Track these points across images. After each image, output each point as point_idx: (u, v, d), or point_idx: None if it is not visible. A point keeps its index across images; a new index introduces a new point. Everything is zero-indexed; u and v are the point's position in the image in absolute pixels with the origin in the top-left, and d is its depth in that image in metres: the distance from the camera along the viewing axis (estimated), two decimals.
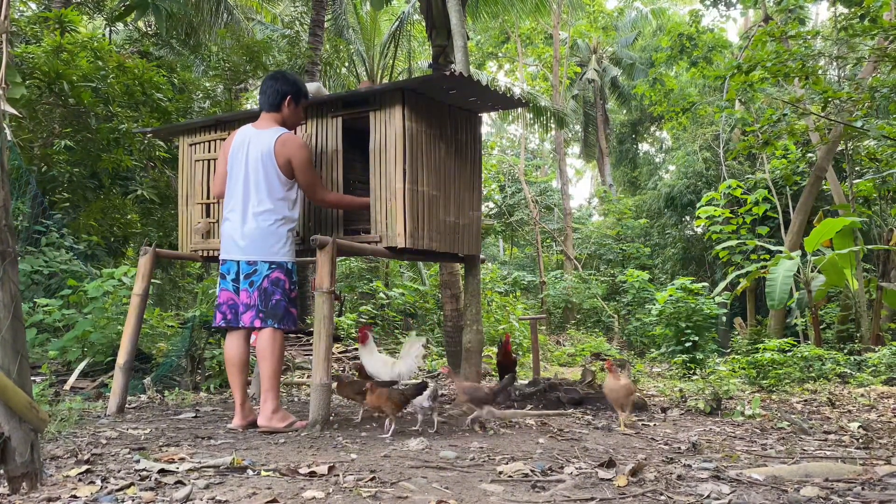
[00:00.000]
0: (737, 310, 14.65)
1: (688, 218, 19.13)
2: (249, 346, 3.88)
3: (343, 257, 8.43)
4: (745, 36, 14.32)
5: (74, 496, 2.23)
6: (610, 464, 2.87)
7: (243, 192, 3.72)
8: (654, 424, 4.43)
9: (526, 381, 6.71)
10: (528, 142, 29.88)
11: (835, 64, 11.95)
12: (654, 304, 10.71)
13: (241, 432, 3.63)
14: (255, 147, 3.71)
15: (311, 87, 4.32)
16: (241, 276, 3.71)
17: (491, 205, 20.87)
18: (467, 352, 4.69)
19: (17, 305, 2.22)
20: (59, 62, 6.96)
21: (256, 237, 3.69)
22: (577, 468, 2.84)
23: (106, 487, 2.35)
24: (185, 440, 3.35)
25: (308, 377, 6.51)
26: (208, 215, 4.56)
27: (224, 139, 4.55)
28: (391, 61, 15.11)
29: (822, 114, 8.49)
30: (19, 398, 2.16)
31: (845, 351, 9.15)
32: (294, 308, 3.77)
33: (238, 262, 3.73)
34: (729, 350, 11.21)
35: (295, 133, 3.96)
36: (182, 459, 2.77)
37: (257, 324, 3.68)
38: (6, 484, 2.22)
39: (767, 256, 10.61)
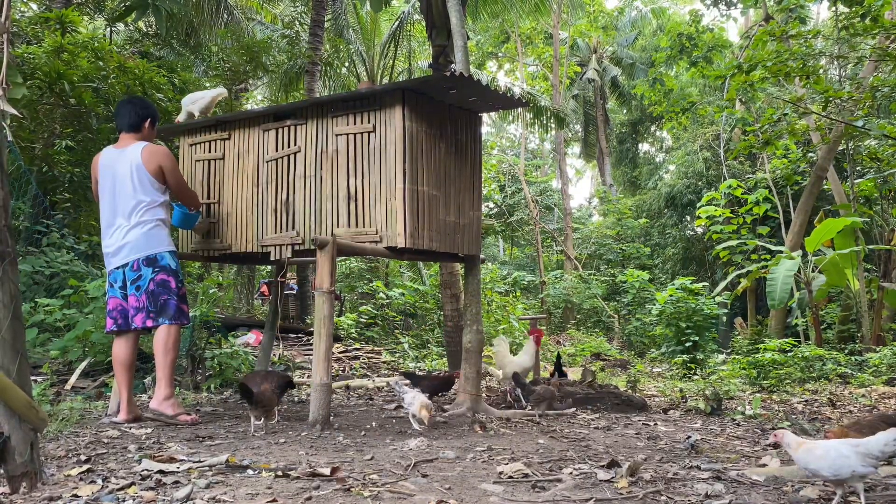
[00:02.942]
0: (737, 310, 14.64)
1: (688, 218, 19.12)
2: (137, 347, 4.06)
3: (343, 257, 8.43)
4: (745, 35, 14.29)
5: (76, 495, 2.24)
6: (611, 464, 2.87)
7: (114, 207, 3.91)
8: (655, 424, 4.44)
9: (526, 381, 6.69)
10: (528, 141, 29.86)
11: (836, 63, 11.93)
12: (655, 304, 10.69)
13: (243, 433, 3.64)
14: (122, 164, 3.91)
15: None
16: (128, 283, 3.89)
17: (491, 205, 20.85)
18: (467, 352, 4.69)
19: (17, 305, 2.22)
20: (59, 62, 6.95)
21: (136, 242, 3.87)
22: (577, 468, 2.84)
23: (107, 487, 2.35)
24: (185, 440, 3.35)
25: (308, 377, 6.51)
26: (208, 215, 4.57)
27: (224, 139, 4.56)
28: (391, 61, 15.10)
29: (823, 113, 8.48)
30: (19, 398, 2.17)
31: (846, 351, 9.14)
32: (185, 304, 3.99)
33: (123, 269, 3.90)
34: (729, 350, 11.21)
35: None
36: (182, 460, 2.77)
37: (149, 323, 3.88)
38: (6, 483, 2.23)
39: (768, 256, 10.60)
